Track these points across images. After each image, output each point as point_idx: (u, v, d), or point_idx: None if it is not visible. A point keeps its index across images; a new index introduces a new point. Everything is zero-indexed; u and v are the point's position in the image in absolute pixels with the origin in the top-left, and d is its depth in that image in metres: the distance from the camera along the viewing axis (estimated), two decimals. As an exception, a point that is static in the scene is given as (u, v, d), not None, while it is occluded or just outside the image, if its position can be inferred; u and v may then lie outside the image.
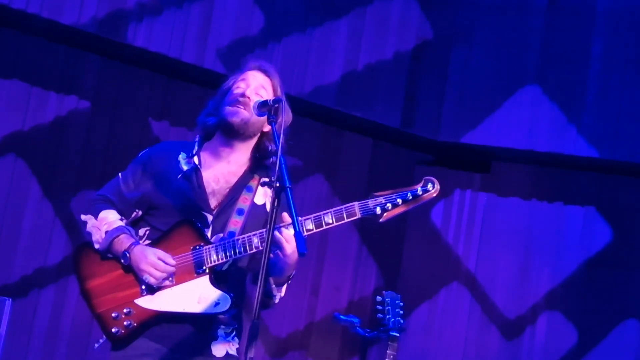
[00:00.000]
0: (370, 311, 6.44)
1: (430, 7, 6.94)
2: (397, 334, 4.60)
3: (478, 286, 6.95)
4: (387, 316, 4.62)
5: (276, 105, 3.30)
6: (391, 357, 4.58)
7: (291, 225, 3.19)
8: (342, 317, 5.02)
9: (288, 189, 3.04)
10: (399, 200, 3.33)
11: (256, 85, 3.50)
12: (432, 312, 6.98)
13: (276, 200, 3.04)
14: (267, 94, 3.50)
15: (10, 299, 4.98)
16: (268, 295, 3.40)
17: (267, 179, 3.30)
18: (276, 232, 3.16)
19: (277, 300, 3.44)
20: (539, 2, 6.86)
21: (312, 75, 6.50)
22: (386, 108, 6.77)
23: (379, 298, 4.69)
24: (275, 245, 3.19)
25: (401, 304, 4.67)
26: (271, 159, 3.42)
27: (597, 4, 6.73)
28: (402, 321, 4.64)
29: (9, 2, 5.68)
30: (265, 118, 3.37)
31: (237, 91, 3.49)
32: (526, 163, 7.01)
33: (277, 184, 3.05)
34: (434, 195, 3.37)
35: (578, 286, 6.80)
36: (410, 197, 3.34)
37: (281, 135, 3.19)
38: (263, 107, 3.34)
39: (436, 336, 6.93)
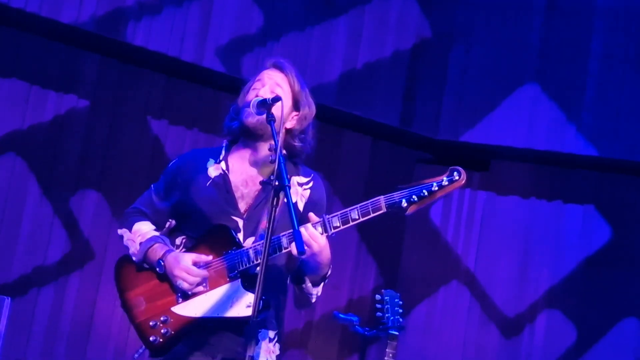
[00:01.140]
0: (369, 310, 6.44)
1: (429, 6, 6.94)
2: (397, 333, 4.59)
3: (477, 285, 6.95)
4: (387, 315, 4.62)
5: (274, 104, 3.29)
6: (390, 355, 4.58)
7: (318, 224, 3.23)
8: (341, 315, 5.02)
9: (287, 187, 3.03)
10: (425, 192, 3.25)
11: (272, 84, 3.48)
12: (432, 310, 6.98)
13: (275, 199, 3.03)
14: (283, 91, 3.47)
15: (10, 298, 4.99)
16: (305, 293, 3.43)
17: (298, 178, 3.36)
18: (302, 231, 3.14)
19: (314, 300, 3.45)
20: (538, 0, 6.86)
21: (311, 74, 6.49)
22: (385, 107, 6.77)
23: (378, 297, 4.69)
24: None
25: (400, 302, 4.67)
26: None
27: (596, 2, 6.73)
28: (401, 320, 4.63)
29: (8, 1, 5.68)
30: (291, 115, 3.41)
31: (252, 92, 3.49)
32: (525, 161, 7.01)
33: (276, 183, 3.04)
34: (462, 183, 3.28)
35: (577, 284, 6.80)
36: (436, 188, 3.26)
37: (279, 135, 3.19)
38: (261, 106, 3.33)
39: (435, 335, 6.93)
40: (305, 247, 3.14)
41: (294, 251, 3.15)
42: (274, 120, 3.26)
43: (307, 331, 6.81)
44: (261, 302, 3.27)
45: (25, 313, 5.97)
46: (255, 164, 3.48)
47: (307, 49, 6.54)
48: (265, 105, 3.31)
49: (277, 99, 3.30)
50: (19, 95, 6.08)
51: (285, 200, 3.04)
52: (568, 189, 6.94)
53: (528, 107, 6.75)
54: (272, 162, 3.14)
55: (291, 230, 3.15)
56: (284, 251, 3.29)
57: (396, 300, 4.66)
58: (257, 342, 3.38)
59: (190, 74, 6.41)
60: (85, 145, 6.24)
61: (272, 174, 3.11)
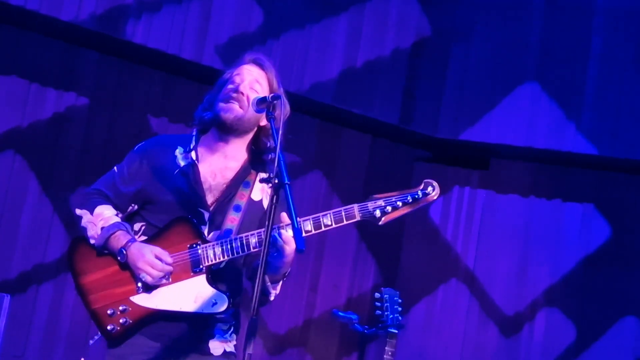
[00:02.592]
0: (368, 308, 6.44)
1: (429, 4, 6.94)
2: (396, 331, 4.60)
3: (476, 283, 6.95)
4: (386, 313, 4.62)
5: (274, 102, 3.28)
6: (389, 353, 4.58)
7: (289, 226, 3.17)
8: (340, 313, 5.02)
9: (287, 185, 3.01)
10: (399, 203, 3.29)
11: (250, 80, 3.45)
12: (431, 309, 6.99)
13: (275, 197, 3.00)
14: (262, 89, 3.44)
15: (9, 295, 4.98)
16: (264, 292, 3.35)
17: (265, 175, 3.30)
18: (275, 235, 3.13)
19: (272, 298, 3.40)
20: (538, -1, 6.87)
21: (311, 71, 6.50)
22: (385, 105, 6.77)
23: (377, 295, 4.70)
24: (273, 245, 3.17)
25: (400, 300, 4.67)
26: (270, 156, 3.39)
27: (596, 2, 6.73)
28: (400, 318, 4.64)
29: (8, -2, 5.69)
30: (262, 114, 3.35)
31: (230, 86, 3.45)
32: (525, 160, 7.01)
33: (276, 181, 3.01)
34: (435, 198, 3.32)
35: (576, 283, 6.80)
36: (410, 200, 3.30)
37: (280, 131, 3.16)
38: (261, 103, 3.31)
39: (435, 333, 6.93)
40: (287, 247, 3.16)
41: (286, 252, 3.17)
42: (274, 119, 3.24)
43: (306, 329, 6.81)
44: (228, 299, 3.28)
45: (25, 310, 5.96)
46: (225, 156, 3.45)
47: (306, 46, 6.54)
48: (265, 103, 3.31)
49: (276, 96, 3.29)
50: (18, 92, 6.07)
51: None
52: (567, 187, 6.94)
53: (528, 106, 6.75)
54: (272, 160, 3.13)
55: (260, 230, 3.19)
56: (252, 250, 3.28)
57: (395, 298, 4.67)
58: (213, 336, 3.40)
59: (190, 72, 6.40)
60: (84, 142, 6.24)
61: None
